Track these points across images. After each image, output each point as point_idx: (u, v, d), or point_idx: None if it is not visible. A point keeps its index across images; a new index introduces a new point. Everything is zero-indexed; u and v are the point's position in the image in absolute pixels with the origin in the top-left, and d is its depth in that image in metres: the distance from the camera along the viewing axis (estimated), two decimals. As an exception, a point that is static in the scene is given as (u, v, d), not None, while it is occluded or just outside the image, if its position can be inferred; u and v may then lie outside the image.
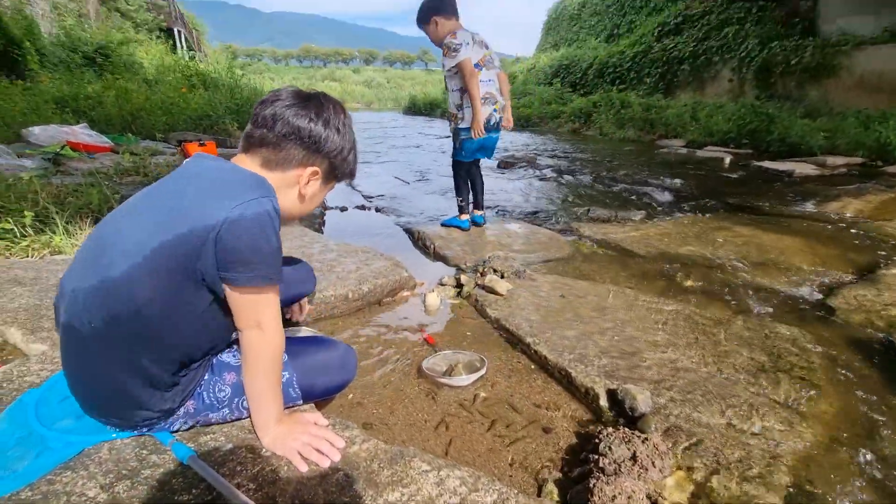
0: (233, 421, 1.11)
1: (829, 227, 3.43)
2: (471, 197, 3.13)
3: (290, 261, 1.44)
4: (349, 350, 1.23)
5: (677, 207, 4.09)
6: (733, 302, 2.19)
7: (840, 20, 8.88)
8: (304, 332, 1.53)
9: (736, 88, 10.23)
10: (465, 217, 3.12)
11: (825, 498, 1.10)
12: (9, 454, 0.96)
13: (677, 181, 5.14)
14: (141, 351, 0.92)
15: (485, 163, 6.56)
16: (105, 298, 0.88)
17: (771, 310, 2.11)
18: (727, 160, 6.60)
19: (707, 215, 3.76)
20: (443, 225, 3.22)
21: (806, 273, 2.51)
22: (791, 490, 1.10)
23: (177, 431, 1.06)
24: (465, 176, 3.02)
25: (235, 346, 1.09)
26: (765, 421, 1.32)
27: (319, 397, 1.20)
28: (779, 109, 8.24)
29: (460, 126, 2.80)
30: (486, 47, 2.73)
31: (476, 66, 2.63)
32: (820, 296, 2.24)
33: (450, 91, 2.79)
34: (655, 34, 12.67)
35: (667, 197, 4.49)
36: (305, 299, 1.58)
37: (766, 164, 6.14)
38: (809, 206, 4.01)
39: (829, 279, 2.42)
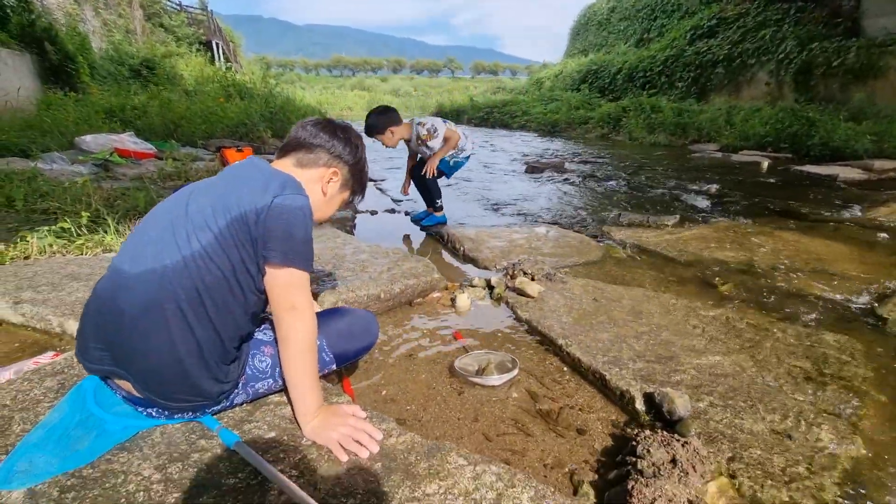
0: (276, 391, 1.20)
1: (878, 233, 3.27)
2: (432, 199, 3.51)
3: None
4: (370, 314, 1.37)
5: (713, 212, 3.97)
6: (775, 308, 2.11)
7: (884, 19, 8.49)
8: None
9: (774, 91, 9.89)
10: (442, 213, 3.50)
11: (880, 511, 1.05)
12: (71, 434, 1.02)
13: (712, 185, 5.00)
14: (220, 323, 1.00)
15: (512, 167, 6.59)
16: (196, 269, 0.96)
17: (815, 317, 2.03)
18: (765, 164, 6.38)
19: (745, 220, 3.64)
20: (427, 225, 3.44)
21: (853, 280, 2.39)
22: (839, 500, 1.06)
23: (239, 405, 1.14)
24: None
25: (262, 325, 1.21)
26: (811, 429, 1.26)
27: (350, 359, 1.34)
28: (820, 112, 7.92)
29: (458, 157, 3.39)
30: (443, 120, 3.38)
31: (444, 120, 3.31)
32: (868, 304, 2.13)
33: (425, 152, 3.30)
34: (688, 38, 12.42)
35: (702, 201, 4.37)
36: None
37: (808, 168, 5.90)
38: (856, 212, 3.83)
39: (879, 287, 2.30)
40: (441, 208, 3.47)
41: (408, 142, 3.30)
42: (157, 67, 11.63)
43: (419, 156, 3.40)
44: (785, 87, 9.67)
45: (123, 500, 0.88)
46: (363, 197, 1.34)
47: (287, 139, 1.21)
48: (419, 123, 3.17)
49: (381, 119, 3.07)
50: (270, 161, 1.20)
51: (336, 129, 1.21)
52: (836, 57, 8.62)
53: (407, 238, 3.31)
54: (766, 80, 10.07)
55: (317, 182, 1.18)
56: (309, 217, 1.05)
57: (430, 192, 3.40)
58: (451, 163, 3.36)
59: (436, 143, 3.16)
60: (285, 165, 1.16)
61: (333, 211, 1.28)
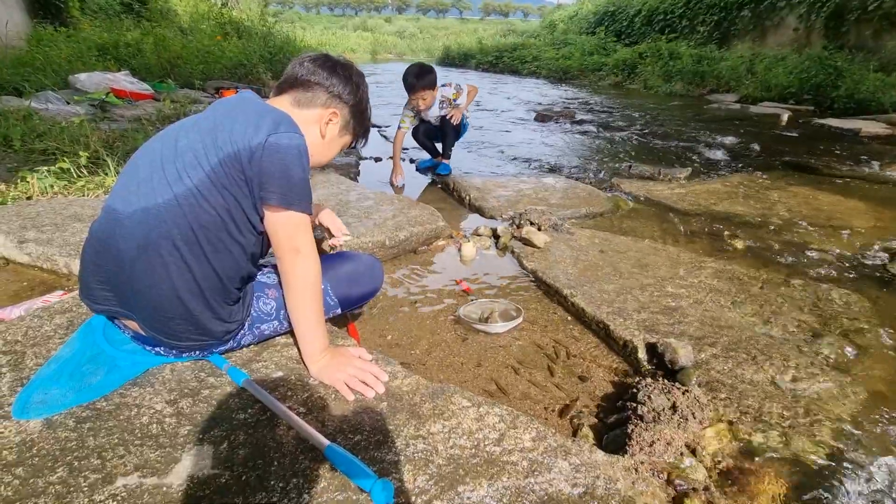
0: (283, 333, 1.21)
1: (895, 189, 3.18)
2: (439, 147, 3.53)
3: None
4: (375, 260, 1.35)
5: (727, 165, 3.86)
6: (785, 263, 2.09)
7: (933, -42, 7.80)
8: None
9: (802, 38, 9.30)
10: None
11: (869, 457, 1.07)
12: (83, 369, 1.04)
13: (728, 138, 4.83)
14: (218, 262, 0.98)
15: (521, 115, 6.37)
16: (189, 207, 0.94)
17: (825, 273, 2.01)
18: (785, 117, 6.12)
19: (760, 174, 3.54)
20: (440, 174, 3.36)
21: (867, 236, 2.35)
22: (835, 446, 1.08)
23: (246, 346, 1.16)
24: None
25: (265, 268, 1.19)
26: (811, 380, 1.28)
27: (355, 305, 1.33)
28: (849, 62, 7.47)
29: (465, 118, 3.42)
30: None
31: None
32: (881, 260, 2.10)
33: (441, 112, 3.23)
34: (714, -24, 11.52)
35: (716, 154, 4.23)
36: (341, 225, 1.45)
37: (830, 121, 5.67)
38: (875, 168, 3.71)
39: (892, 244, 2.26)
40: (450, 156, 3.46)
41: (424, 109, 3.18)
42: (150, 1, 11.00)
43: (429, 120, 3.32)
44: (814, 33, 9.06)
45: (138, 430, 0.91)
46: (366, 141, 1.27)
47: (284, 75, 1.13)
48: (444, 86, 3.17)
49: (432, 76, 2.99)
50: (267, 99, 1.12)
51: (336, 66, 1.12)
52: (872, 0, 8.02)
53: (412, 186, 3.25)
54: (795, 24, 9.43)
55: (315, 123, 1.11)
56: (305, 156, 1.00)
57: (452, 139, 3.37)
58: (465, 120, 3.39)
59: (462, 100, 3.23)
60: (282, 104, 1.09)
61: (333, 155, 1.22)
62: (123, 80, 5.27)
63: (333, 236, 1.43)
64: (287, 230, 1.01)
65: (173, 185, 0.94)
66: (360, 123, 1.20)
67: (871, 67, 7.21)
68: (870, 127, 5.29)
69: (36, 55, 5.74)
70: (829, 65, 7.43)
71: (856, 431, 1.13)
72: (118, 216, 0.95)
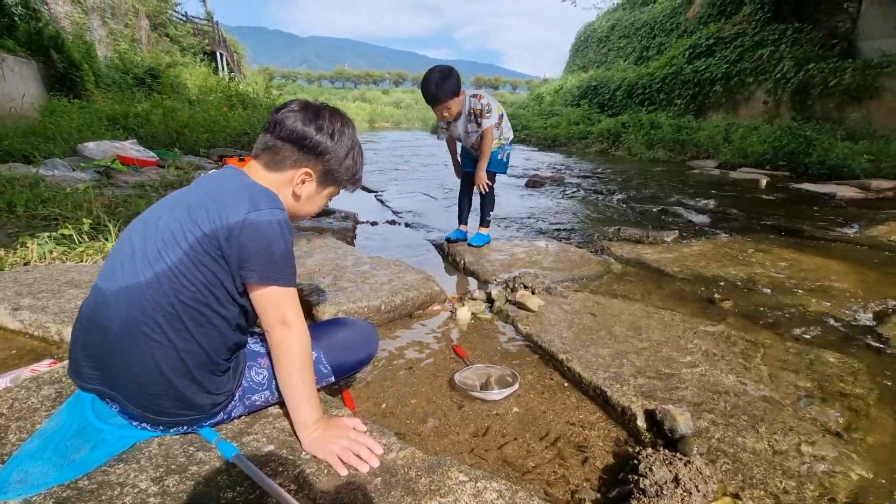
0: (274, 404, 1.18)
1: (878, 251, 3.28)
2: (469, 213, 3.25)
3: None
4: (369, 325, 1.33)
5: (712, 228, 3.99)
6: (775, 325, 2.11)
7: (881, 41, 8.64)
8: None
9: (771, 110, 10.01)
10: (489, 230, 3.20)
11: (884, 534, 1.03)
12: (68, 444, 1.01)
13: (711, 202, 5.03)
14: (203, 336, 0.98)
15: (512, 181, 6.62)
16: (169, 285, 0.94)
17: (816, 335, 2.03)
18: (763, 182, 6.43)
19: (744, 237, 3.66)
20: (472, 245, 3.11)
21: (853, 298, 2.40)
22: (846, 523, 1.04)
23: (237, 418, 1.13)
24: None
25: (257, 335, 1.18)
26: (814, 449, 1.26)
27: (349, 372, 1.30)
28: (817, 131, 8.01)
29: (505, 146, 2.99)
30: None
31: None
32: (869, 322, 2.13)
33: (469, 133, 2.87)
34: (686, 56, 12.60)
35: (700, 218, 4.39)
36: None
37: (806, 186, 5.95)
38: (854, 230, 3.85)
39: (879, 306, 2.31)
40: (489, 223, 3.14)
41: (452, 120, 2.83)
42: (162, 76, 11.74)
43: (458, 136, 2.93)
44: (782, 105, 9.79)
45: (119, 512, 0.86)
46: (357, 186, 1.20)
47: (260, 135, 1.10)
48: (474, 96, 2.74)
49: (452, 84, 2.58)
50: (247, 159, 1.14)
51: (307, 117, 1.05)
52: (832, 77, 8.75)
53: (408, 250, 3.32)
54: (764, 98, 10.20)
55: (287, 185, 1.07)
56: (287, 230, 0.99)
57: (486, 208, 3.05)
58: (502, 157, 2.97)
59: (487, 122, 2.75)
60: (256, 170, 1.07)
61: (317, 209, 1.18)
62: (130, 148, 5.49)
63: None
64: (273, 304, 1.00)
65: (154, 263, 0.95)
66: (344, 171, 1.13)
67: (838, 136, 7.71)
68: (844, 191, 5.56)
69: (48, 124, 6.01)
70: (799, 134, 7.94)
71: (864, 504, 1.10)
72: (104, 295, 0.97)
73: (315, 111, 1.07)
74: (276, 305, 1.00)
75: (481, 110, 2.73)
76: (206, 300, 0.97)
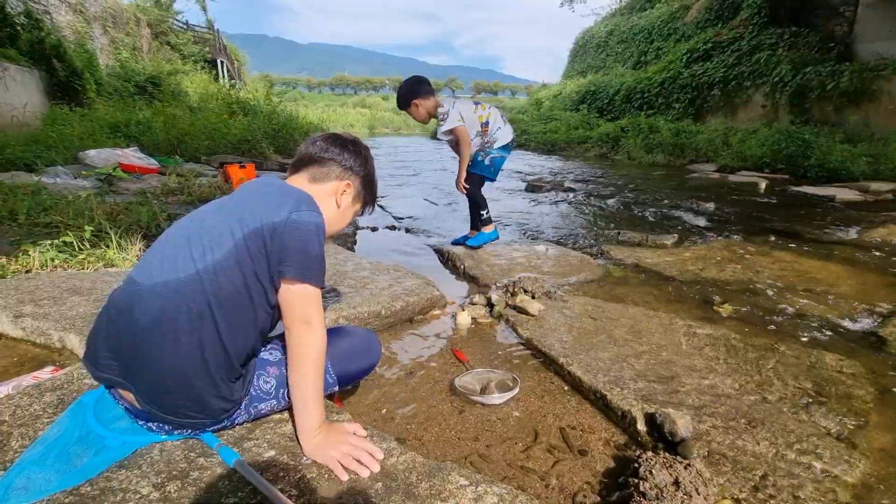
0: (279, 411, 1.19)
1: (877, 254, 3.29)
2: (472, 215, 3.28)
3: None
4: (372, 334, 1.37)
5: (711, 232, 4.00)
6: (775, 329, 2.12)
7: (878, 44, 8.69)
8: None
9: (769, 113, 10.05)
10: (492, 227, 3.22)
11: (885, 536, 1.03)
12: (70, 451, 1.01)
13: (710, 205, 5.04)
14: (229, 338, 1.00)
15: (512, 185, 6.65)
16: (210, 282, 0.97)
17: (816, 338, 2.03)
18: (762, 185, 6.44)
19: (744, 240, 3.66)
20: (470, 247, 3.17)
21: (853, 301, 2.40)
22: (847, 526, 1.04)
23: (240, 424, 1.13)
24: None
25: (269, 344, 1.20)
26: (815, 451, 1.26)
27: (352, 380, 1.34)
28: (816, 134, 8.03)
29: (492, 152, 3.07)
30: (476, 103, 3.07)
31: (476, 104, 3.06)
32: (869, 325, 2.14)
33: (447, 138, 3.07)
34: (684, 60, 12.66)
35: (700, 221, 4.40)
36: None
37: (805, 189, 5.96)
38: (854, 233, 3.86)
39: (879, 308, 2.31)
40: (489, 221, 3.18)
41: (424, 121, 3.05)
42: (163, 84, 11.81)
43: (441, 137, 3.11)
44: (780, 109, 9.82)
45: (121, 519, 0.87)
46: (374, 207, 1.37)
47: (298, 155, 1.24)
48: (440, 105, 2.91)
49: (405, 90, 2.86)
50: (283, 178, 1.23)
51: (346, 143, 1.25)
52: (830, 80, 8.79)
53: (408, 255, 3.33)
54: (762, 102, 10.24)
55: (331, 195, 1.21)
56: (322, 234, 1.07)
57: (473, 210, 3.16)
58: (487, 161, 3.03)
59: (441, 128, 2.95)
60: (300, 181, 1.19)
61: (347, 222, 1.30)
62: (131, 156, 5.52)
63: None
64: (300, 302, 1.04)
65: (197, 261, 0.99)
66: (369, 192, 1.30)
67: (836, 139, 7.73)
68: (843, 194, 5.57)
69: (49, 133, 6.04)
70: (797, 137, 7.96)
71: (865, 507, 1.10)
72: (138, 288, 0.99)
73: (351, 141, 1.27)
74: (304, 304, 1.04)
75: (441, 118, 2.92)
76: (242, 300, 1.01)
